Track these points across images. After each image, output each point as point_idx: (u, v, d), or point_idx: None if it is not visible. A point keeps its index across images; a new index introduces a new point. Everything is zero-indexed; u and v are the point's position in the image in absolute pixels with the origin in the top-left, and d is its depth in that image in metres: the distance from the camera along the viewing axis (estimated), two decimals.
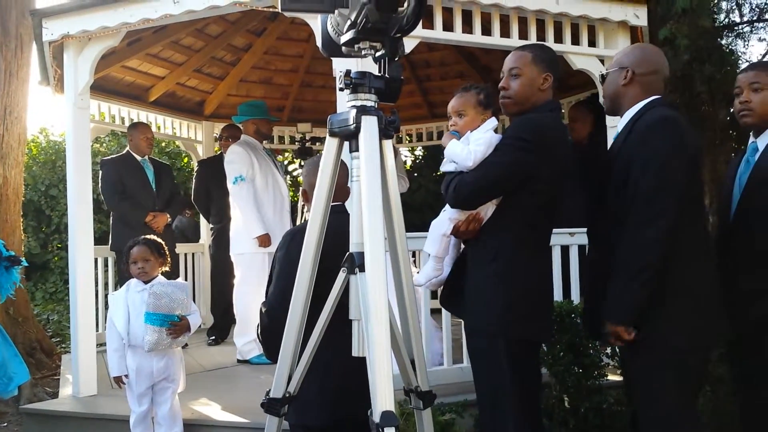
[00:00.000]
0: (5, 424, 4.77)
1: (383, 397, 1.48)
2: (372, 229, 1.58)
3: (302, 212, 6.37)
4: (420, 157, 10.29)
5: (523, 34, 4.07)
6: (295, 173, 9.54)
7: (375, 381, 1.49)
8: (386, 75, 1.70)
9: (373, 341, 1.51)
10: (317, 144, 7.22)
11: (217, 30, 6.08)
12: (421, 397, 1.86)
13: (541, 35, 4.12)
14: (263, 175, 5.25)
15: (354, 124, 1.69)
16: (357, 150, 1.70)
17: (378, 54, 1.68)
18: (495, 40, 4.04)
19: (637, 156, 2.34)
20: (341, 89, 1.72)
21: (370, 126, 1.67)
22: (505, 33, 4.06)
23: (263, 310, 2.43)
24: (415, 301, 1.84)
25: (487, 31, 4.05)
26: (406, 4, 1.54)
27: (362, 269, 1.65)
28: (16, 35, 6.12)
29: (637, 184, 2.31)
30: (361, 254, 1.66)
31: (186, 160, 9.75)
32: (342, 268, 1.77)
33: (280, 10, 1.56)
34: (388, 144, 1.76)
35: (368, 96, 1.71)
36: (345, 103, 1.76)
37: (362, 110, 1.70)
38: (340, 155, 1.79)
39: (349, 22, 1.62)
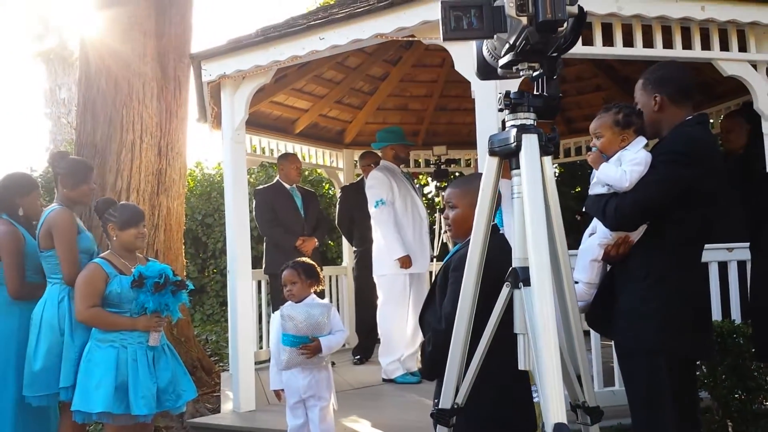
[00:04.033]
0: None
1: (555, 409, 1.49)
2: (536, 244, 1.61)
3: (440, 233, 6.44)
4: (557, 174, 10.07)
5: (667, 43, 3.94)
6: (430, 195, 9.63)
7: (546, 393, 1.51)
8: (545, 93, 1.74)
9: (542, 354, 1.53)
10: (452, 166, 7.28)
11: (355, 62, 6.34)
12: (589, 413, 1.85)
13: (686, 43, 3.97)
14: (402, 198, 5.39)
15: (515, 143, 1.74)
16: (518, 167, 1.74)
17: (535, 74, 1.73)
18: (638, 51, 3.93)
19: None
20: (500, 110, 1.77)
21: (531, 143, 1.72)
22: (648, 43, 3.95)
23: (438, 329, 2.32)
24: (579, 316, 1.84)
25: (628, 42, 3.96)
26: (565, 24, 1.58)
27: (526, 284, 1.68)
28: (174, 77, 6.66)
29: None
30: (525, 269, 1.69)
31: (327, 187, 10.12)
32: (505, 283, 1.80)
33: (442, 40, 1.63)
34: (548, 160, 1.78)
35: (527, 114, 1.76)
36: (505, 122, 1.81)
37: (522, 128, 1.74)
38: (500, 174, 1.84)
39: (507, 46, 1.68)
